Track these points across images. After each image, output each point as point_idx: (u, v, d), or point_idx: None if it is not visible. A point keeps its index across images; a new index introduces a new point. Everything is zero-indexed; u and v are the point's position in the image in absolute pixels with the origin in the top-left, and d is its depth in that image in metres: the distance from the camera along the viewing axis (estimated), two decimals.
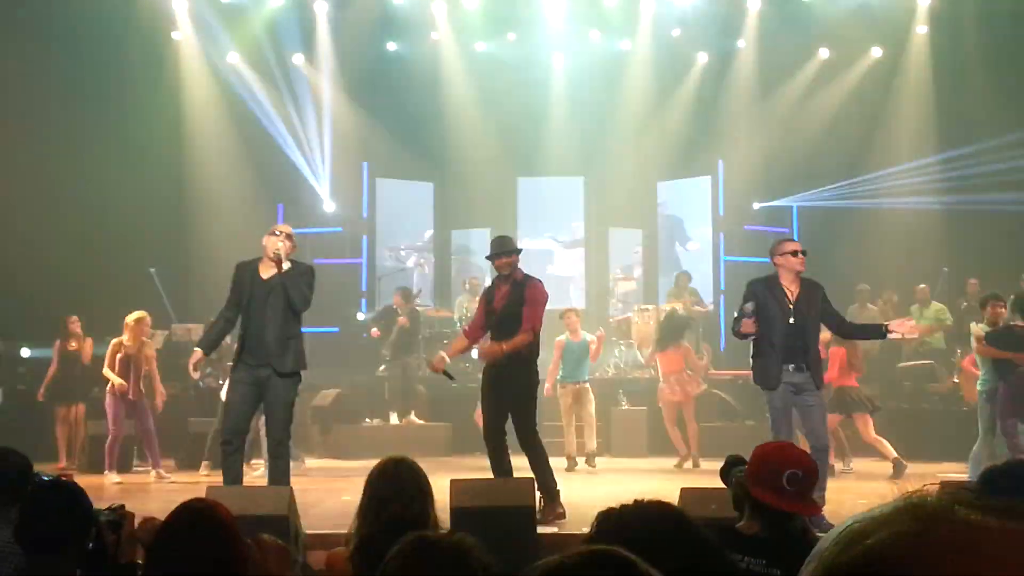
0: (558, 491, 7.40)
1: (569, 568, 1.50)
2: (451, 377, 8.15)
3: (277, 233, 7.40)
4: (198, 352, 7.66)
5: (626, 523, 2.49)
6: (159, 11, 15.53)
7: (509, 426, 7.65)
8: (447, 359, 7.95)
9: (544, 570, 1.49)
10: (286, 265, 7.24)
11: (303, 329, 7.55)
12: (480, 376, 8.13)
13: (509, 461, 7.55)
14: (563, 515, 7.20)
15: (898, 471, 10.43)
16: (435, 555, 2.10)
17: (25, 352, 13.59)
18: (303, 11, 16.21)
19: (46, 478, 3.37)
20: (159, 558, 2.66)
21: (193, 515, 2.69)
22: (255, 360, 7.25)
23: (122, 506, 3.31)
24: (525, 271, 7.83)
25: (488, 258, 7.91)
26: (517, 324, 7.44)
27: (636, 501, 2.60)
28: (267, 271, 7.31)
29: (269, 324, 7.23)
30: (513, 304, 7.51)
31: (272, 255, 7.28)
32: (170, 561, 2.62)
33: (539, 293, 7.59)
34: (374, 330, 13.51)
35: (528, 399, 7.56)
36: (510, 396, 7.50)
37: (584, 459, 11.31)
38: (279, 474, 7.34)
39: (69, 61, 14.20)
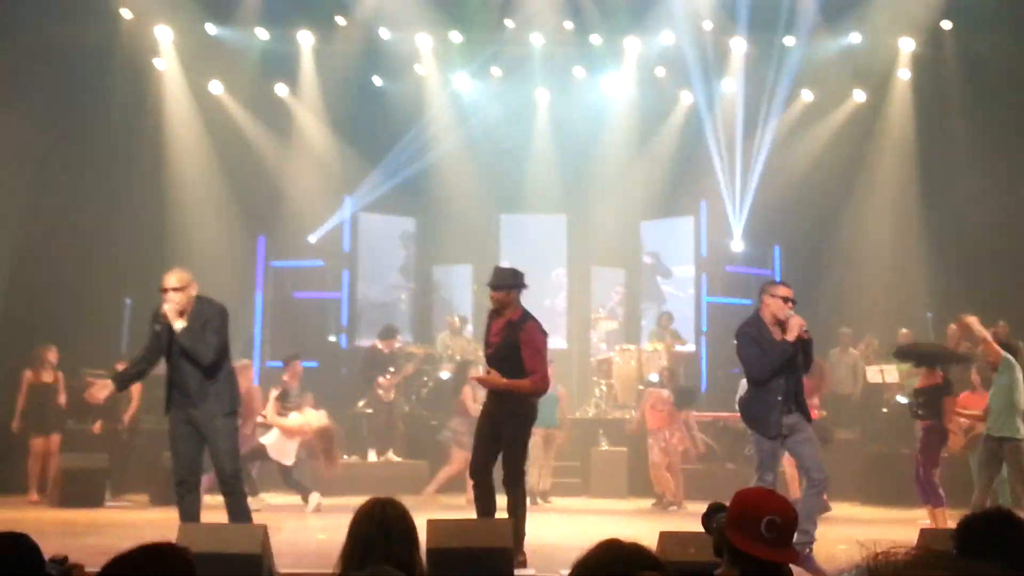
0: (523, 538, 7.24)
1: None
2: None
3: (164, 290, 7.29)
4: (110, 385, 7.67)
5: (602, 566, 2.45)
6: (142, 40, 15.46)
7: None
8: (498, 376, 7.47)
9: None
10: (179, 325, 7.18)
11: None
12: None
13: (495, 500, 7.40)
14: (524, 563, 7.02)
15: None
16: None
17: None
18: (288, 43, 16.20)
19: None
20: None
21: (142, 560, 2.54)
22: (184, 402, 7.30)
23: (65, 558, 3.18)
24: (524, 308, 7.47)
25: (488, 284, 7.55)
26: (512, 367, 7.19)
27: (610, 542, 2.56)
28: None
29: (188, 375, 7.26)
30: (507, 347, 7.23)
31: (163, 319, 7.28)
32: None
33: (536, 338, 7.26)
34: (381, 380, 13.32)
35: (522, 440, 7.39)
36: (505, 434, 7.31)
37: (539, 496, 11.76)
38: (238, 509, 7.28)
39: (49, 88, 14.12)
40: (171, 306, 7.19)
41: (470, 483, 7.84)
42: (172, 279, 7.29)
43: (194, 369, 7.21)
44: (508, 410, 7.29)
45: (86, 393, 7.89)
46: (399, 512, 3.52)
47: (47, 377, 12.10)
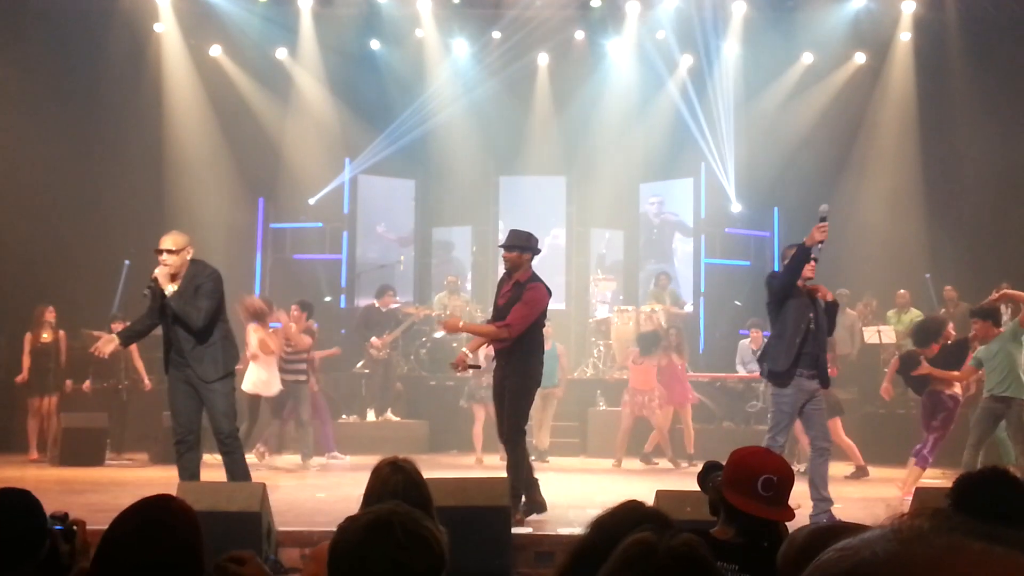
0: (522, 496, 7.32)
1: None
2: (478, 367, 8.11)
3: (159, 251, 7.29)
4: (115, 340, 7.77)
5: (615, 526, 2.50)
6: (142, 2, 15.40)
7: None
8: (468, 354, 7.74)
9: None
10: (171, 288, 7.19)
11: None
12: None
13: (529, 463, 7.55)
14: (520, 521, 7.13)
15: (859, 475, 10.76)
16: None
17: None
18: (287, 5, 16.12)
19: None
20: (106, 562, 2.47)
21: (147, 512, 2.54)
22: (181, 362, 7.35)
23: (66, 515, 3.20)
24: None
25: (501, 245, 7.74)
26: None
27: (630, 503, 2.62)
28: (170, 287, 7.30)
29: (181, 337, 7.30)
30: (510, 305, 7.36)
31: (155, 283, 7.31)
32: (117, 566, 2.45)
33: (534, 296, 7.37)
34: (375, 340, 13.30)
35: (522, 396, 7.48)
36: (507, 392, 7.43)
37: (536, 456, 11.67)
38: (236, 468, 7.36)
39: (49, 52, 14.09)
40: (163, 270, 7.19)
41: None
42: (168, 241, 7.29)
43: (188, 333, 7.24)
44: (511, 369, 7.41)
45: (93, 347, 7.90)
46: (416, 472, 3.57)
47: (46, 337, 12.15)
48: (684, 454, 12.03)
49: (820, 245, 7.15)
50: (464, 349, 7.93)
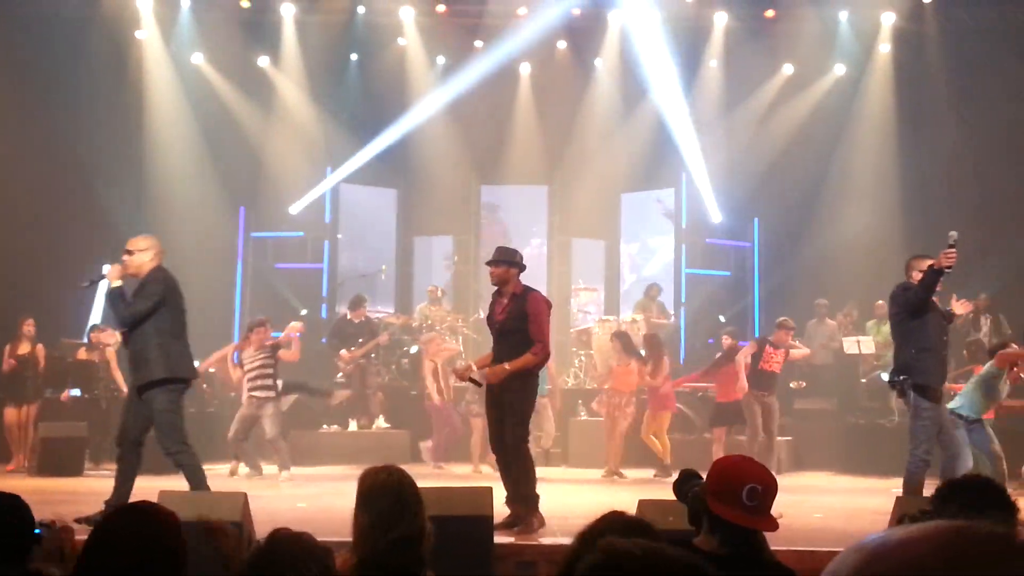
0: (537, 502, 7.35)
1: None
2: (478, 383, 8.00)
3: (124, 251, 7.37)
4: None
5: (600, 536, 2.50)
6: (123, 10, 15.36)
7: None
8: (473, 367, 7.84)
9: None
10: (114, 284, 7.22)
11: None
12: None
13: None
14: (542, 524, 7.16)
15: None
16: None
17: None
18: (269, 13, 16.10)
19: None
20: (90, 568, 2.45)
21: (128, 519, 2.53)
22: (130, 367, 7.43)
23: (53, 522, 3.20)
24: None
25: (488, 263, 7.77)
26: (519, 338, 7.39)
27: (613, 513, 2.62)
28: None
29: (129, 340, 7.35)
30: (514, 319, 7.42)
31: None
32: (100, 572, 2.43)
33: (540, 306, 7.48)
34: (343, 352, 13.29)
35: (524, 407, 7.52)
36: (506, 401, 7.44)
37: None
38: (192, 480, 7.27)
39: (30, 60, 14.04)
40: (116, 265, 7.24)
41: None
42: (132, 242, 7.37)
43: (133, 335, 7.23)
44: (509, 381, 7.42)
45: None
46: (410, 481, 3.57)
47: (23, 348, 12.08)
48: (658, 464, 12.01)
49: (948, 269, 7.24)
50: (472, 363, 8.06)
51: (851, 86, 16.31)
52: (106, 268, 7.27)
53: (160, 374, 7.19)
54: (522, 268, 7.61)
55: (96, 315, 13.73)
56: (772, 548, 3.11)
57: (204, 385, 14.04)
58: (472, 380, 7.97)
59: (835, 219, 15.70)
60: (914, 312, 7.58)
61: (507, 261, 7.53)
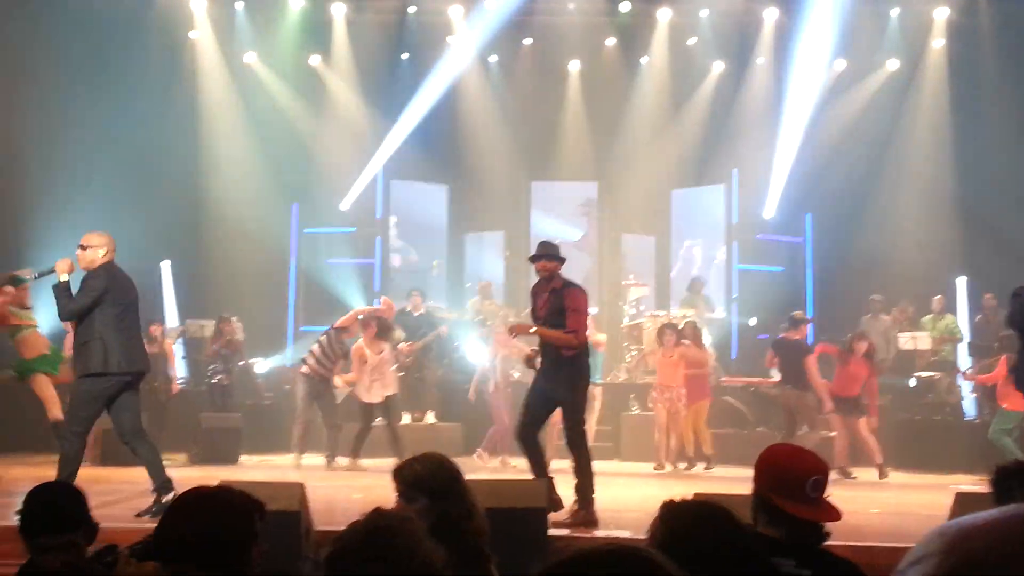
0: (594, 498, 7.39)
1: (587, 560, 1.57)
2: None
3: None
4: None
5: (684, 520, 2.52)
6: (177, 11, 15.64)
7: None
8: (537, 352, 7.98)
9: (563, 561, 1.58)
10: (63, 277, 7.32)
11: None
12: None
13: (543, 459, 7.58)
14: (595, 522, 7.18)
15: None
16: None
17: None
18: (321, 13, 16.29)
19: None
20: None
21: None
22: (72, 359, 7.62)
23: (115, 546, 3.34)
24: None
25: (529, 259, 7.86)
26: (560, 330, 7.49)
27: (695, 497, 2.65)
28: None
29: (74, 331, 7.54)
30: (553, 313, 7.50)
31: None
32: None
33: (579, 299, 7.55)
34: (402, 345, 13.39)
35: (579, 399, 7.59)
36: (561, 395, 7.49)
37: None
38: (61, 469, 7.33)
39: (87, 59, 14.26)
40: (66, 260, 7.37)
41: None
42: (85, 237, 7.47)
43: (80, 328, 7.36)
44: (564, 375, 7.49)
45: None
46: (455, 466, 3.66)
47: None
48: (702, 455, 12.05)
49: None
50: (529, 350, 8.22)
51: (904, 81, 16.14)
52: (56, 262, 7.37)
53: (95, 368, 7.29)
54: (562, 261, 7.70)
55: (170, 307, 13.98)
56: (829, 543, 3.11)
57: (258, 380, 14.26)
58: (533, 365, 8.08)
59: (889, 214, 15.55)
60: None
61: (551, 255, 7.62)
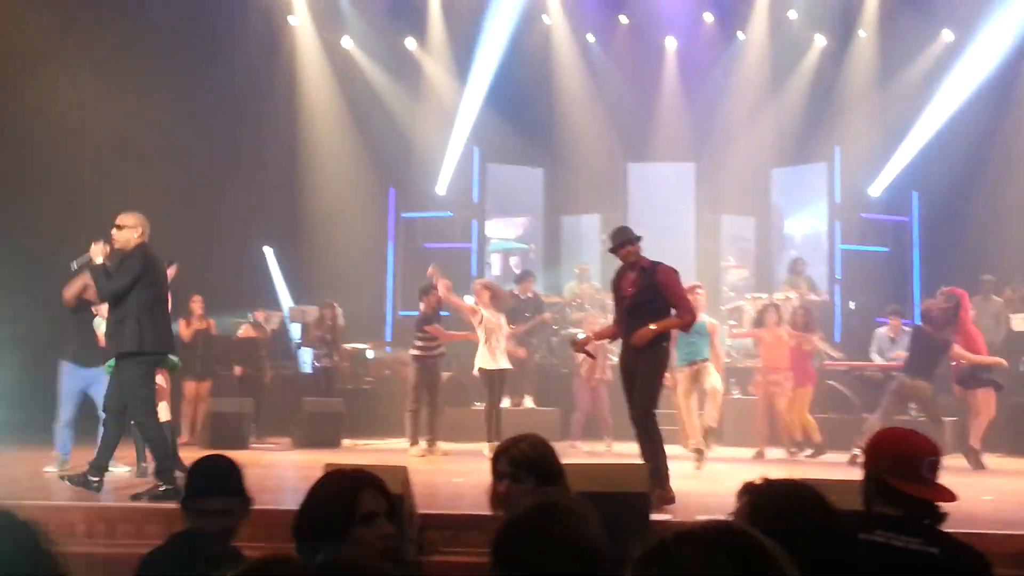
0: (668, 475, 7.29)
1: (687, 539, 1.57)
2: (592, 356, 8.41)
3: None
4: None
5: (770, 500, 2.47)
6: None
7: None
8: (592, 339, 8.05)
9: (667, 539, 1.58)
10: (97, 260, 7.42)
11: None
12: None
13: (656, 444, 7.41)
14: (672, 499, 7.08)
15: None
16: None
17: None
18: None
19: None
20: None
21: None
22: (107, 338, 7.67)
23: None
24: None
25: (611, 251, 7.82)
26: (650, 310, 7.45)
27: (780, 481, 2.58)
28: None
29: (110, 311, 7.55)
30: (645, 291, 7.48)
31: None
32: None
33: (672, 276, 7.58)
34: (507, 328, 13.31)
35: (654, 378, 7.51)
36: (639, 372, 7.44)
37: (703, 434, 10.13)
38: (153, 454, 7.45)
39: (189, 46, 14.54)
40: (100, 243, 7.47)
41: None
42: (120, 218, 7.55)
43: (116, 308, 7.44)
44: (640, 354, 7.43)
45: None
46: (542, 441, 3.67)
47: (198, 324, 12.56)
48: (811, 442, 11.77)
49: None
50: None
51: (1017, 53, 15.53)
52: (93, 247, 7.50)
53: (130, 347, 7.38)
54: (640, 239, 7.69)
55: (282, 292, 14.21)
56: (943, 529, 3.06)
57: (346, 363, 14.32)
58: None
59: (1000, 191, 15.01)
60: None
61: (630, 240, 7.62)
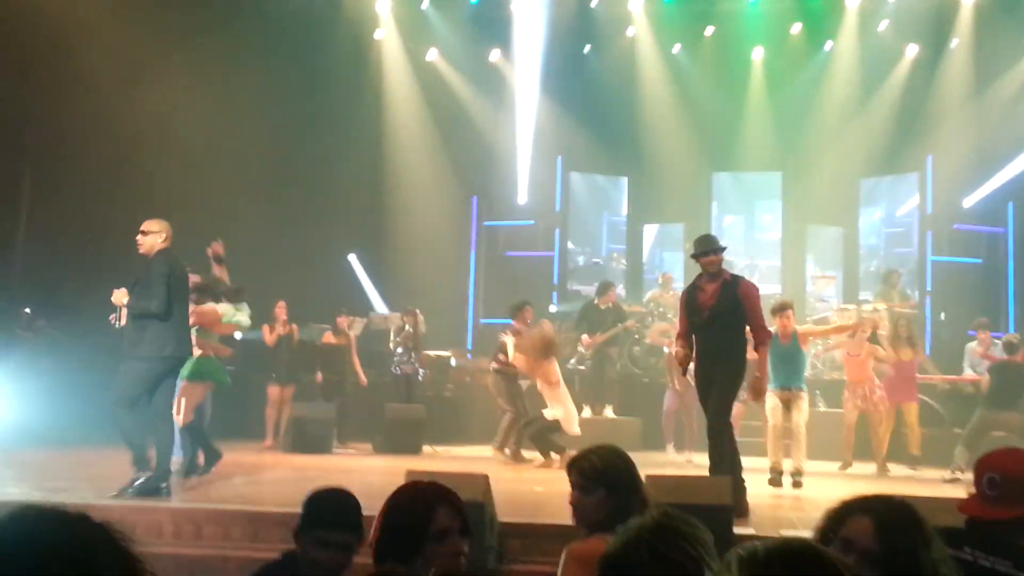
0: (744, 487, 7.19)
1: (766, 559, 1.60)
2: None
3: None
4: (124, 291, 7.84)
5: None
6: (363, 12, 16.13)
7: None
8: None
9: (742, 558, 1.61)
10: (124, 300, 7.50)
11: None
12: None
13: (731, 456, 7.39)
14: (745, 511, 6.98)
15: None
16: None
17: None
18: (501, 9, 16.45)
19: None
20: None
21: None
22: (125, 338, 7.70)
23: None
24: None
25: (694, 256, 7.79)
26: (730, 322, 7.47)
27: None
28: None
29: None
30: (726, 303, 7.47)
31: None
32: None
33: (755, 293, 7.62)
34: (584, 337, 13.32)
35: (733, 386, 7.52)
36: (718, 380, 7.43)
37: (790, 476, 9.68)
38: (126, 441, 7.46)
39: (279, 59, 14.79)
40: (118, 290, 7.57)
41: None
42: (145, 224, 7.65)
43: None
44: (721, 361, 7.47)
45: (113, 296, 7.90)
46: (629, 458, 3.63)
47: (281, 329, 12.76)
48: (908, 456, 11.47)
49: None
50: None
51: None
52: (114, 297, 7.59)
53: (149, 352, 7.48)
54: (723, 249, 7.76)
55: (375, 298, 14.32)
56: None
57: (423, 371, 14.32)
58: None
59: None
60: None
61: (716, 249, 7.65)
